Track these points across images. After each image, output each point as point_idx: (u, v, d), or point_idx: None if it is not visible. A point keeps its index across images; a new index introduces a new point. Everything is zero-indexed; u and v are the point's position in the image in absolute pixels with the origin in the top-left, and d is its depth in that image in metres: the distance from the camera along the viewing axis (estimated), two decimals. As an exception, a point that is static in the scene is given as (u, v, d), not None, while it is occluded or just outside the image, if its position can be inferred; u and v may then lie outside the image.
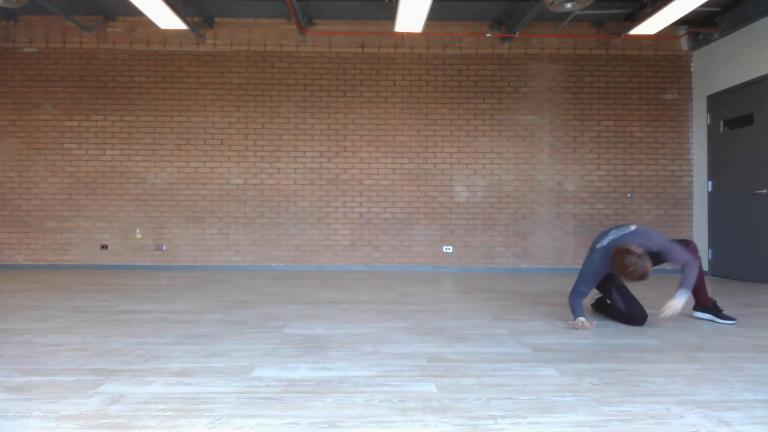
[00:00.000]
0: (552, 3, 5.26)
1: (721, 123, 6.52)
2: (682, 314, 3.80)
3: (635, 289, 5.02)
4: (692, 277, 3.25)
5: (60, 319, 3.45)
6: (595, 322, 3.42)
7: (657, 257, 3.38)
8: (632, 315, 3.43)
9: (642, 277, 3.01)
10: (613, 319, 3.59)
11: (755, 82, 5.95)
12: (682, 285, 3.25)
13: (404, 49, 6.98)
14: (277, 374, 2.28)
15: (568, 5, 5.27)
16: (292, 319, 3.54)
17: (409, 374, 2.29)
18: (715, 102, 6.58)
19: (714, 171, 6.60)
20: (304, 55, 6.97)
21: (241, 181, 6.94)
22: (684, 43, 7.00)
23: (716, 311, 3.60)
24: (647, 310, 3.77)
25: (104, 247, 6.91)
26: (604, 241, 3.36)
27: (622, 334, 3.13)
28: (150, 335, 3.00)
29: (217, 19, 6.92)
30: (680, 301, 3.20)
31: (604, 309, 3.74)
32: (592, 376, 2.29)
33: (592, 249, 3.41)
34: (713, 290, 5.25)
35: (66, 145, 6.91)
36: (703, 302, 3.64)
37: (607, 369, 2.39)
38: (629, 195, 6.98)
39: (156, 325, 3.30)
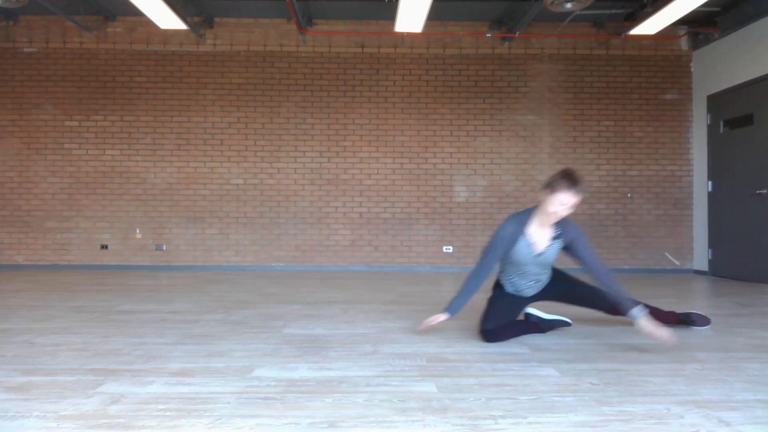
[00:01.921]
0: (552, 3, 5.26)
1: (721, 123, 6.51)
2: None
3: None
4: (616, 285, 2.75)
5: (60, 319, 3.45)
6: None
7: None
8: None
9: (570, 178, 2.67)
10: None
11: (755, 82, 5.95)
12: (626, 303, 2.71)
13: (404, 49, 6.98)
14: (277, 374, 2.28)
15: (568, 5, 5.27)
16: (292, 319, 3.54)
17: (409, 374, 2.29)
18: (715, 102, 6.58)
19: (714, 171, 6.60)
20: (304, 55, 6.97)
21: (241, 181, 6.94)
22: (684, 43, 6.99)
23: (689, 321, 3.24)
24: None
25: (104, 247, 6.91)
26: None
27: (622, 334, 3.13)
28: (150, 335, 3.00)
29: (217, 19, 6.92)
30: (648, 323, 2.68)
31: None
32: (592, 376, 2.29)
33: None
34: (713, 290, 5.25)
35: (66, 145, 6.91)
36: (669, 320, 3.17)
37: (607, 369, 2.39)
38: (629, 195, 6.98)
39: (156, 325, 3.30)
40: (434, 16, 6.70)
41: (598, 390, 2.10)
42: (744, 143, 6.13)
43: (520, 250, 2.85)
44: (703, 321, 3.31)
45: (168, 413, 1.82)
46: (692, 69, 7.00)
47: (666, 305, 4.21)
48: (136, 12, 6.67)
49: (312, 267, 6.95)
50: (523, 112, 7.00)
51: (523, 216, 2.86)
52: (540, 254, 2.87)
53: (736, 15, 6.12)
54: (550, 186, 2.70)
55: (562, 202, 2.68)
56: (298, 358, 2.54)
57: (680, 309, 4.05)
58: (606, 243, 6.97)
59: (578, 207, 6.97)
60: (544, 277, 3.03)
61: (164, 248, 6.92)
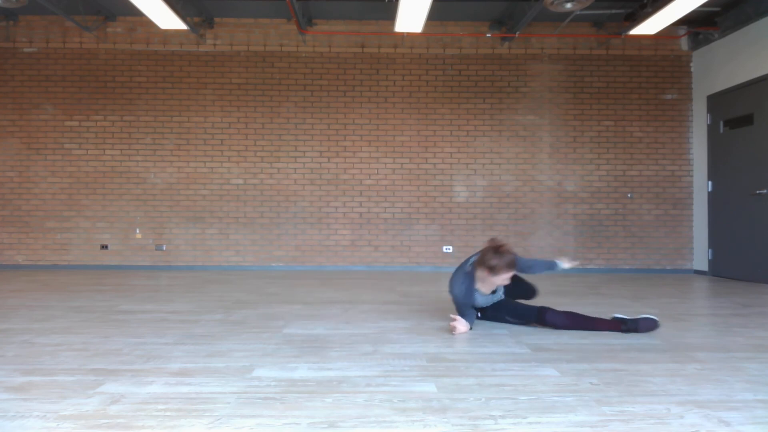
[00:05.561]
0: (552, 3, 5.26)
1: (721, 123, 6.51)
2: (684, 314, 3.80)
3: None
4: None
5: (60, 319, 3.45)
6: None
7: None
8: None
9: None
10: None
11: (755, 82, 5.95)
12: (550, 263, 3.43)
13: (404, 49, 6.98)
14: (277, 374, 2.28)
15: (568, 5, 5.27)
16: (292, 319, 3.54)
17: (409, 374, 2.29)
18: (715, 102, 6.58)
19: (714, 171, 6.60)
20: (304, 55, 6.97)
21: (241, 181, 6.94)
22: (684, 43, 6.99)
23: (629, 324, 3.14)
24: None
25: (104, 247, 6.91)
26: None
27: (622, 334, 3.13)
28: (150, 335, 3.00)
29: (217, 19, 6.92)
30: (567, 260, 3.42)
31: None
32: (592, 376, 2.29)
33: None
34: (713, 290, 5.25)
35: (66, 145, 6.91)
36: (610, 328, 3.17)
37: (607, 369, 2.39)
38: (629, 195, 6.98)
39: (156, 325, 3.30)
40: (434, 16, 6.70)
41: (598, 390, 2.10)
42: (744, 143, 6.13)
43: (476, 298, 3.33)
44: (648, 325, 3.15)
45: (168, 413, 1.82)
46: (692, 69, 7.00)
47: (666, 305, 4.21)
48: (136, 12, 6.67)
49: (312, 267, 6.95)
50: (523, 112, 7.00)
51: (467, 278, 3.24)
52: (493, 292, 3.40)
53: (736, 15, 6.12)
54: (492, 269, 3.09)
55: (504, 279, 3.17)
56: (298, 358, 2.54)
57: (680, 310, 4.05)
58: (606, 243, 6.97)
59: (578, 207, 6.98)
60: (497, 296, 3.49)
61: (164, 248, 6.92)
